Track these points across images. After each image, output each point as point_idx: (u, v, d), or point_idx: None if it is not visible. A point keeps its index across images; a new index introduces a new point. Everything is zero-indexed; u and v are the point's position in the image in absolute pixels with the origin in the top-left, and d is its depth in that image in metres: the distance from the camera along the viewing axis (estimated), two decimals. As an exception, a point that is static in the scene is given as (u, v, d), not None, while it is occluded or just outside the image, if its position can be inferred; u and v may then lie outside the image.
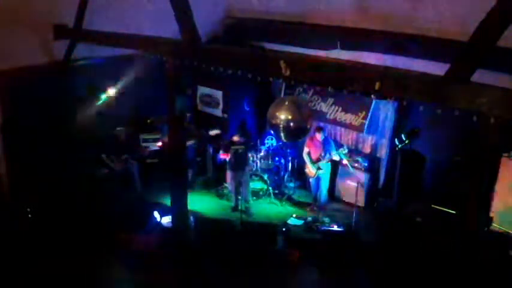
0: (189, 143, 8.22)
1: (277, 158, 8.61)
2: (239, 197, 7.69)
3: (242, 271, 6.28)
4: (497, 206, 5.94)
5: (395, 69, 3.49)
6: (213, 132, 8.39)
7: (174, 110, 5.32)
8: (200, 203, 8.01)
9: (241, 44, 7.85)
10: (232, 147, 7.59)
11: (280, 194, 8.35)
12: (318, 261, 6.44)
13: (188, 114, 8.43)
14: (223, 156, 7.81)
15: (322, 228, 7.11)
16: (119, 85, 7.86)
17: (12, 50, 5.88)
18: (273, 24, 7.55)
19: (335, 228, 7.16)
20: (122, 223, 6.93)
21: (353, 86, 3.76)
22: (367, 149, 8.08)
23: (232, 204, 7.91)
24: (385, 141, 7.86)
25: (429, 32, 5.57)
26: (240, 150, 7.57)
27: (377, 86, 3.32)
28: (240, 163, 7.62)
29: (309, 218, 7.51)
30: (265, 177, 8.22)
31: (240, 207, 7.48)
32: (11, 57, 5.95)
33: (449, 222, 5.91)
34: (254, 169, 8.23)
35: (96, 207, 7.10)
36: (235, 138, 7.62)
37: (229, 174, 7.82)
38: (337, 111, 8.27)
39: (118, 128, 7.66)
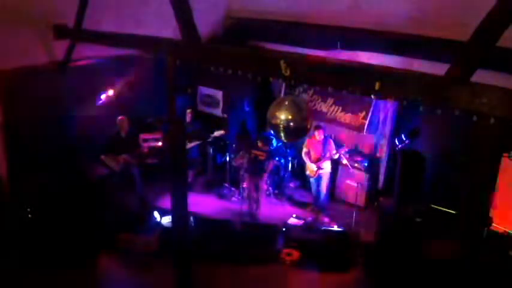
0: (193, 144, 8.21)
1: (277, 158, 8.61)
2: (252, 201, 7.70)
3: (242, 271, 6.28)
4: (497, 206, 5.93)
5: (395, 69, 3.48)
6: (218, 133, 8.37)
7: (174, 110, 5.32)
8: (200, 203, 8.02)
9: (241, 44, 7.85)
10: (254, 151, 7.57)
11: (280, 194, 8.36)
12: (318, 261, 6.45)
13: (188, 110, 8.42)
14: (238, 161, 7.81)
15: (322, 228, 7.11)
16: (119, 85, 7.86)
17: (12, 50, 5.88)
18: (273, 24, 7.54)
19: (335, 228, 7.16)
20: (122, 223, 6.93)
21: (353, 86, 3.76)
22: (367, 149, 8.08)
23: (244, 208, 7.80)
24: (385, 141, 7.87)
25: (429, 32, 5.57)
26: (260, 157, 7.54)
27: (377, 86, 3.31)
28: (257, 169, 7.60)
29: (309, 218, 7.51)
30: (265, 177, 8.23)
31: (250, 211, 7.56)
32: (11, 57, 5.94)
33: (449, 222, 5.91)
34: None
35: (96, 208, 7.10)
36: (259, 144, 7.59)
37: (246, 179, 7.77)
38: (337, 111, 8.27)
39: (119, 118, 7.59)
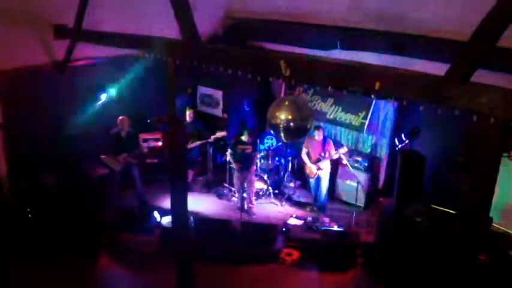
0: (194, 144, 8.20)
1: (277, 158, 8.62)
2: (244, 196, 7.72)
3: (242, 271, 6.28)
4: (497, 206, 5.93)
5: (395, 69, 3.47)
6: (219, 133, 8.37)
7: (174, 110, 5.32)
8: (200, 203, 8.02)
9: (241, 44, 7.85)
10: (239, 146, 7.58)
11: (280, 194, 8.36)
12: (318, 261, 6.44)
13: (190, 110, 8.43)
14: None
15: (322, 228, 7.11)
16: (119, 85, 7.86)
17: (12, 50, 5.88)
18: (273, 24, 7.54)
19: (335, 228, 7.16)
20: (122, 223, 6.94)
21: (353, 86, 3.76)
22: (367, 149, 8.08)
23: (238, 204, 7.87)
24: (385, 141, 7.87)
25: (429, 32, 5.57)
26: (247, 151, 7.56)
27: (377, 86, 3.31)
28: (245, 163, 7.61)
29: (309, 218, 7.51)
30: (265, 177, 8.23)
31: (243, 207, 7.51)
32: (11, 57, 5.95)
33: (449, 222, 5.90)
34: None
35: (96, 208, 7.10)
36: (243, 137, 7.61)
37: (235, 174, 7.81)
38: (337, 111, 8.28)
39: (119, 118, 7.53)
